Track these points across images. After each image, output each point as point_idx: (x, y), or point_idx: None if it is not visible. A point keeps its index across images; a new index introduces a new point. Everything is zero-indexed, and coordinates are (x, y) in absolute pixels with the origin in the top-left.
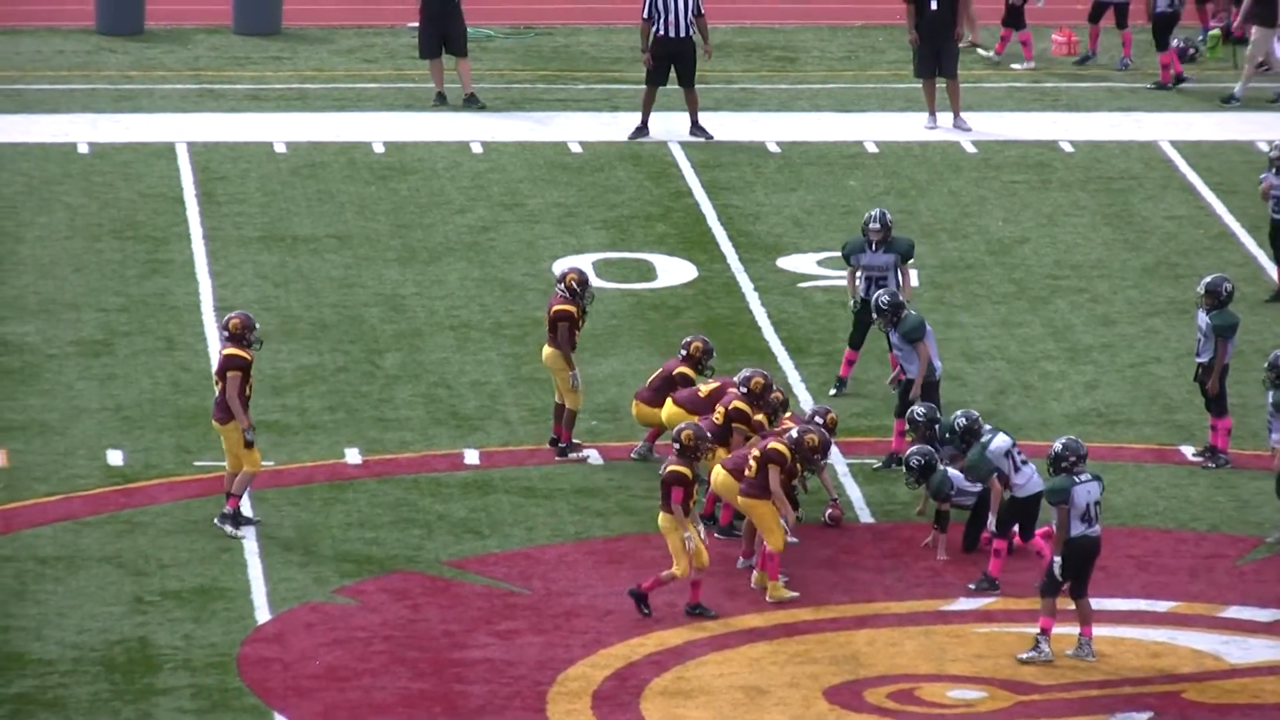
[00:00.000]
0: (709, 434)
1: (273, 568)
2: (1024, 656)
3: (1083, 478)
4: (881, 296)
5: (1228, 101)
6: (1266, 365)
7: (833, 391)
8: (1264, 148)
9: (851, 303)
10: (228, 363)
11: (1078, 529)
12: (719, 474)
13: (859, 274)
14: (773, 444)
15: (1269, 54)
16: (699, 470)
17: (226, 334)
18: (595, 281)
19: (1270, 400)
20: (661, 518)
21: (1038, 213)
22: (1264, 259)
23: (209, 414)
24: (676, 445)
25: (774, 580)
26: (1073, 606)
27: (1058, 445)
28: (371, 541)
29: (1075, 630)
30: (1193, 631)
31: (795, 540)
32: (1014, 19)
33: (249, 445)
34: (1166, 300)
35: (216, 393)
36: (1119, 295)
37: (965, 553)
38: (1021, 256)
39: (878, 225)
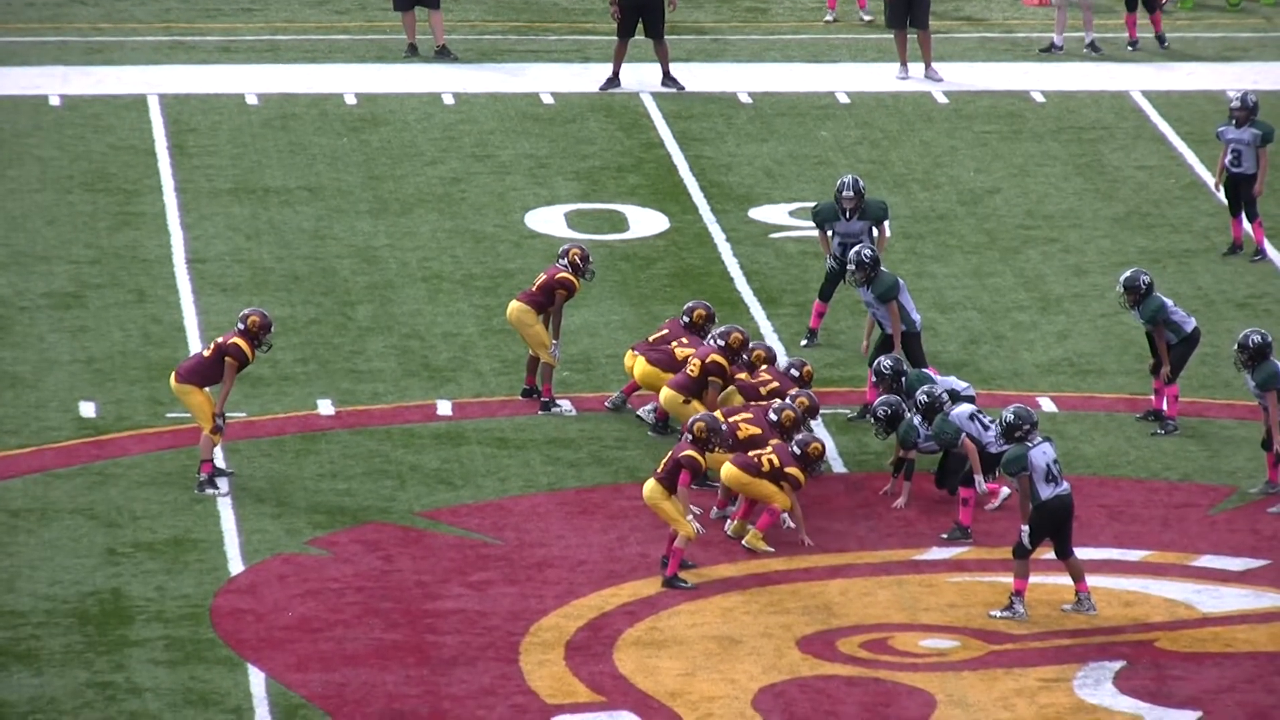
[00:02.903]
0: (723, 428)
1: (245, 519)
2: (997, 614)
3: (1035, 440)
4: (864, 250)
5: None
6: (1236, 346)
7: (804, 343)
8: (1232, 96)
9: (830, 262)
10: (230, 350)
11: (1046, 491)
12: (728, 470)
13: (834, 240)
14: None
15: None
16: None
17: (242, 327)
18: (567, 233)
19: (1250, 384)
20: (651, 487)
21: (1009, 163)
22: None
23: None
24: (689, 435)
25: (759, 530)
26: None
27: (1009, 415)
28: (344, 493)
29: (1052, 581)
30: (1165, 580)
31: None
32: None
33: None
34: (1138, 250)
35: (193, 356)
36: (1090, 245)
37: (947, 493)
38: (993, 207)
39: (851, 194)
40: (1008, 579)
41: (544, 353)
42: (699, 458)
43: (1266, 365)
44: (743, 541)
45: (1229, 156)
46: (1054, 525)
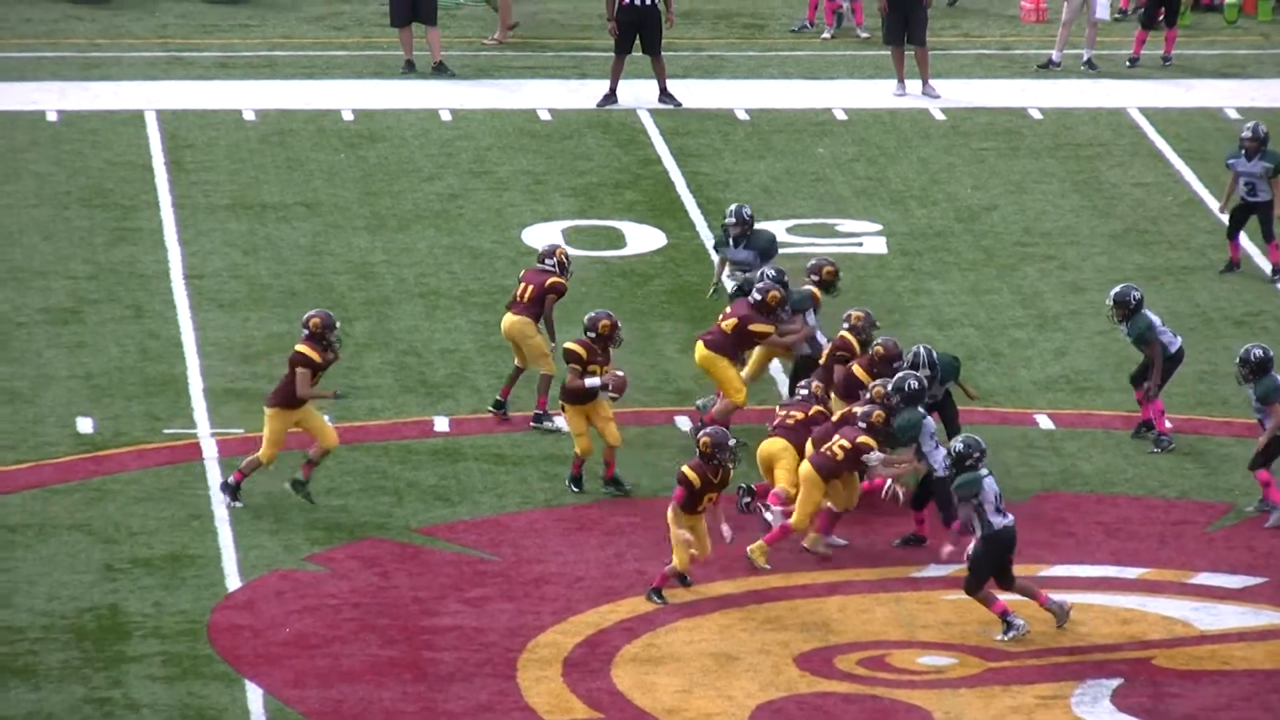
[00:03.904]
0: (732, 443)
1: (243, 535)
2: (1000, 637)
3: (984, 471)
4: (768, 273)
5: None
6: (1237, 360)
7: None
8: (1233, 114)
9: (711, 291)
10: (297, 359)
11: (998, 521)
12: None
13: (726, 266)
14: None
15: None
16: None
17: (306, 331)
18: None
19: (1253, 398)
20: (671, 511)
21: (1006, 180)
22: None
23: (178, 381)
24: (696, 448)
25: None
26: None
27: (959, 444)
28: (341, 509)
29: (1055, 598)
30: (1162, 598)
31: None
32: None
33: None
34: (1135, 267)
35: (282, 380)
36: (1088, 262)
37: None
38: (990, 224)
39: (734, 220)
40: (1006, 596)
41: (545, 363)
42: (690, 474)
43: (1268, 379)
44: (746, 549)
45: (1243, 188)
46: (997, 557)
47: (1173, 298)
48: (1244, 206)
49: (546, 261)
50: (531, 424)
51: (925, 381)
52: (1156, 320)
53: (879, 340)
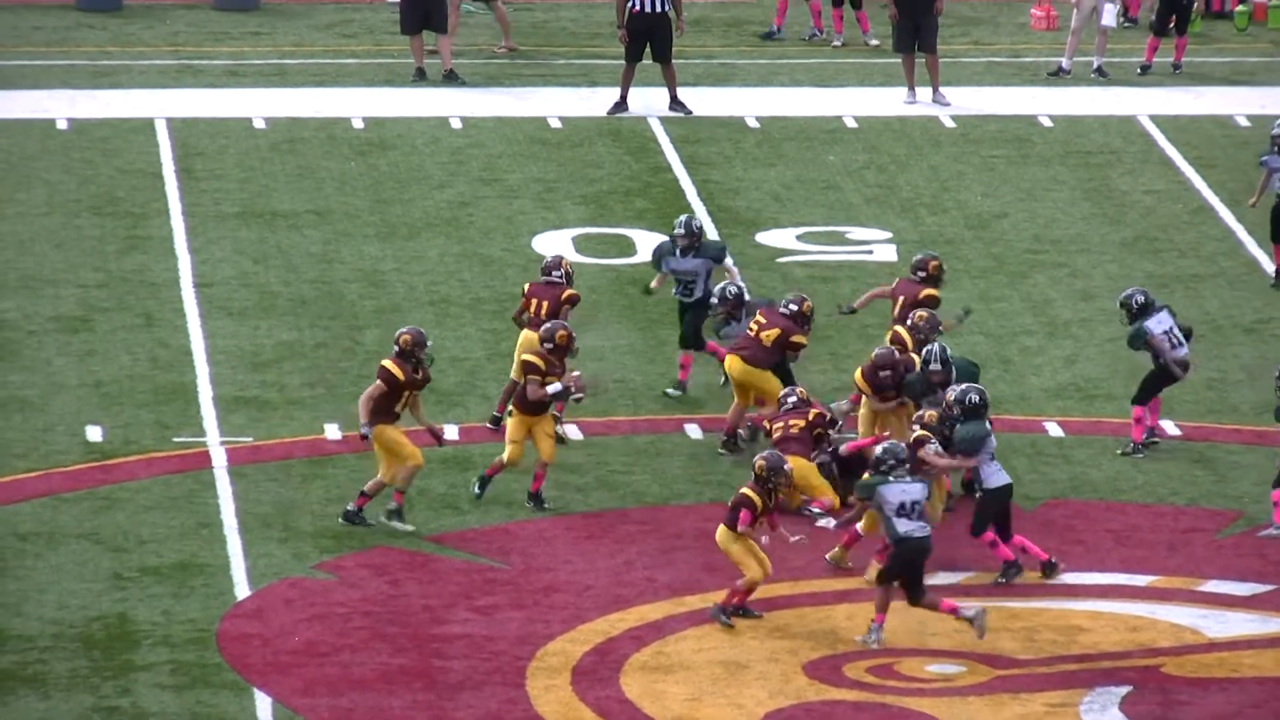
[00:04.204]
0: (787, 469)
1: (252, 543)
2: (859, 639)
3: (897, 477)
4: (729, 288)
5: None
6: (1277, 375)
7: (674, 392)
8: (1243, 122)
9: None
10: (379, 373)
11: (904, 528)
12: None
13: (669, 277)
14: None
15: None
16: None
17: (396, 348)
18: (575, 257)
19: None
20: (720, 531)
21: (1017, 187)
22: (1242, 232)
23: (188, 390)
24: (751, 472)
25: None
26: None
27: (879, 449)
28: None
29: (1059, 605)
30: (1172, 605)
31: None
32: None
33: (439, 437)
34: (1145, 275)
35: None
36: (1098, 270)
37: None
38: (1000, 231)
39: (683, 231)
40: (1015, 604)
41: (566, 375)
42: (753, 496)
43: None
44: (826, 555)
45: (1278, 185)
46: (902, 566)
47: (1182, 305)
48: None
49: (554, 274)
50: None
51: (987, 396)
52: (1156, 329)
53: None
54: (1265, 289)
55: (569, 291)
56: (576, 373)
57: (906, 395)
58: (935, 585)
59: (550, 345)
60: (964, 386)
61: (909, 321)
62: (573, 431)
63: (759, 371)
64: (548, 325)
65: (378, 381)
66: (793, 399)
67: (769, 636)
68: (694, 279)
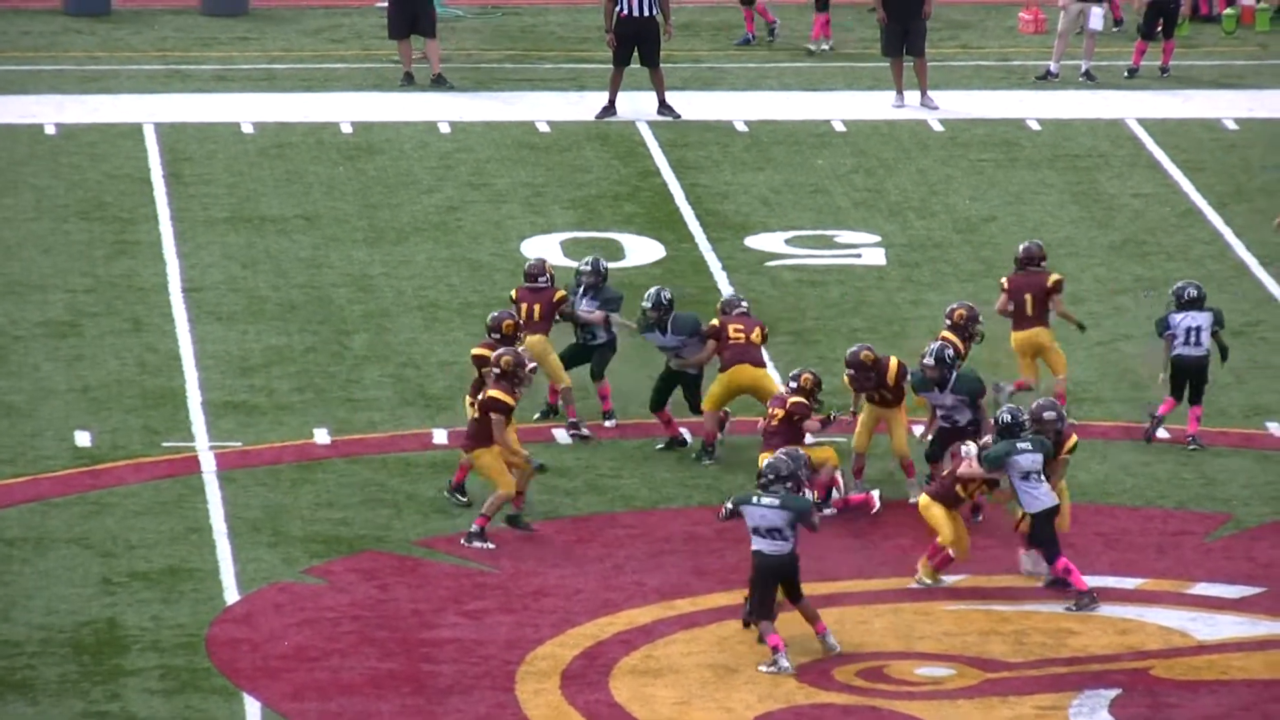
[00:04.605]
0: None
1: (241, 548)
2: (762, 668)
3: (756, 499)
4: (664, 293)
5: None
6: None
7: (609, 424)
8: (1230, 125)
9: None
10: (490, 405)
11: (756, 544)
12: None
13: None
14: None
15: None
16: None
17: (498, 370)
18: (563, 261)
19: None
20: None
21: (1005, 191)
22: (1230, 235)
23: (176, 395)
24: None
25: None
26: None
27: (1004, 416)
28: (340, 522)
29: (1048, 609)
30: (1160, 608)
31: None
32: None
33: (539, 469)
34: (1134, 278)
35: (469, 418)
36: (1087, 273)
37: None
38: (989, 235)
39: (589, 269)
40: (1004, 607)
41: (567, 378)
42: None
43: None
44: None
45: None
46: (764, 581)
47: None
48: None
49: (540, 280)
50: (570, 433)
51: (1022, 414)
52: (1180, 323)
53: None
54: (1253, 292)
55: (560, 293)
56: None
57: (915, 390)
58: (926, 589)
59: (498, 335)
60: (1005, 408)
61: (949, 323)
62: (562, 436)
63: (766, 373)
64: (494, 314)
65: (496, 417)
66: (794, 383)
67: (758, 641)
68: (679, 352)
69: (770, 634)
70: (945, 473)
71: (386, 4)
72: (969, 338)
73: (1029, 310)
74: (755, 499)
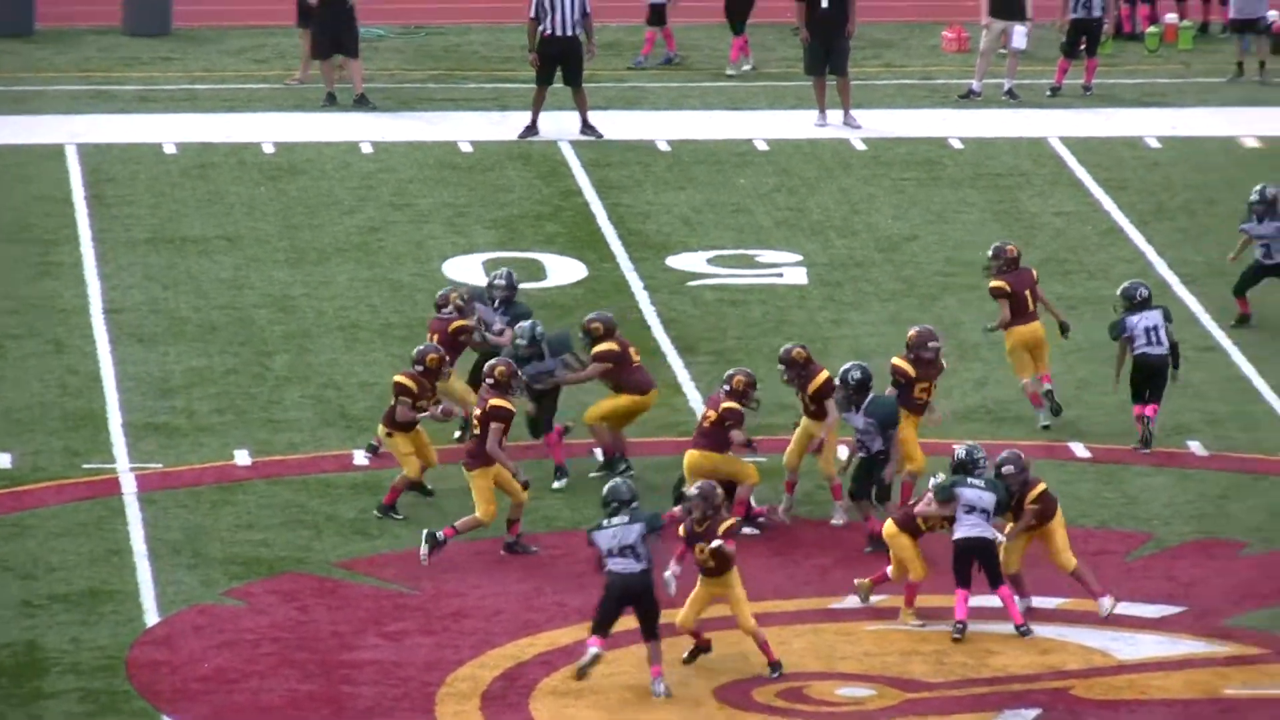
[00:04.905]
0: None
1: (161, 570)
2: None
3: (614, 521)
4: (536, 327)
5: (966, 96)
6: None
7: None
8: (1153, 143)
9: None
10: (493, 414)
11: (610, 564)
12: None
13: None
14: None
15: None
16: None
17: (491, 380)
18: (485, 281)
19: None
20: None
21: (927, 210)
22: (1152, 254)
23: (97, 416)
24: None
25: (909, 608)
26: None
27: (960, 450)
28: (260, 543)
29: (973, 628)
30: (1081, 628)
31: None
32: (657, 17)
33: (525, 486)
34: (1055, 296)
35: (473, 435)
36: None
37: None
38: (911, 254)
39: (503, 283)
40: (925, 627)
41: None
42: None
43: None
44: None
45: (1259, 251)
46: (613, 602)
47: (1092, 328)
48: (1261, 268)
49: (444, 310)
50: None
51: (978, 452)
52: (1137, 324)
53: (738, 372)
54: (1175, 311)
55: (456, 323)
56: (442, 405)
57: (839, 409)
58: (849, 609)
59: (421, 368)
60: (967, 445)
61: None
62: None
63: (718, 455)
64: (420, 348)
65: (494, 427)
66: (726, 387)
67: (679, 661)
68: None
69: (595, 640)
70: (910, 503)
71: (302, 26)
72: (747, 404)
73: (1030, 306)
74: (604, 524)
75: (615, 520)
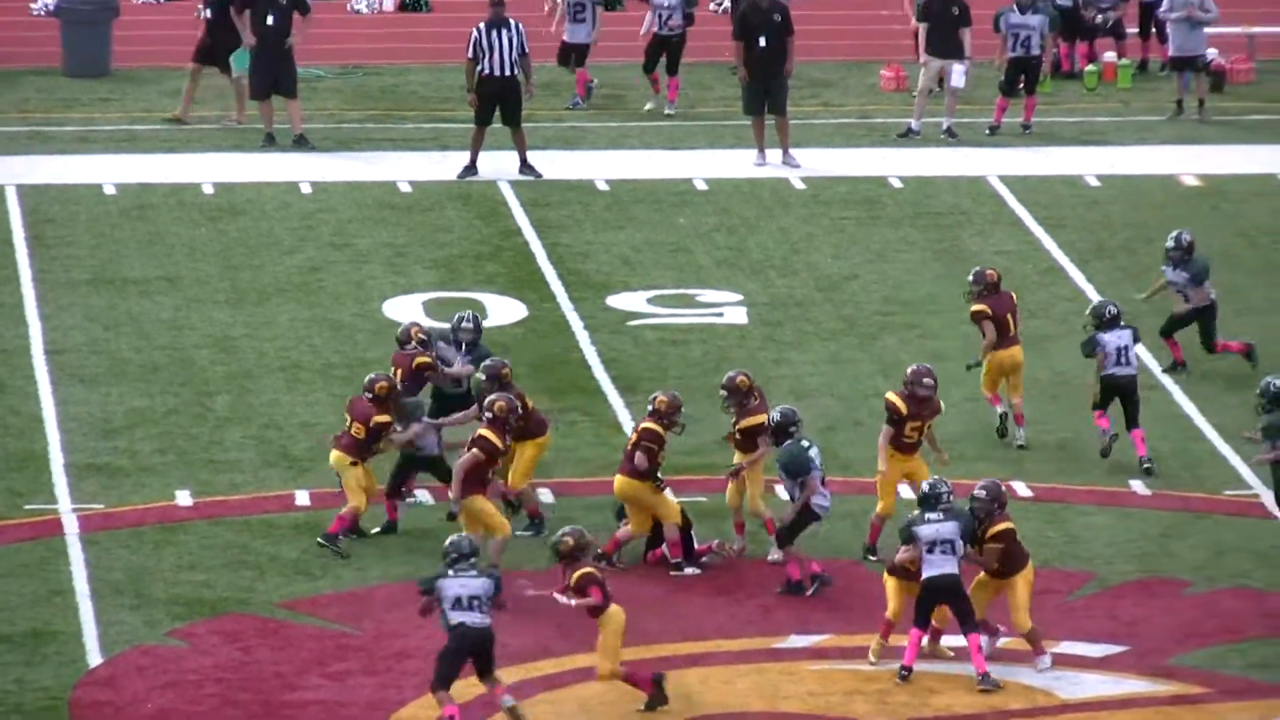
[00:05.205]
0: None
1: (104, 610)
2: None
3: (460, 571)
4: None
5: (905, 135)
6: (1258, 391)
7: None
8: (1092, 182)
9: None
10: (478, 443)
11: (454, 617)
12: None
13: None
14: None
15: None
16: None
17: (490, 415)
18: (425, 322)
19: (1261, 424)
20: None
21: (867, 248)
22: (1092, 292)
23: (39, 457)
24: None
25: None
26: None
27: (924, 485)
28: (203, 584)
29: (920, 667)
30: (1024, 667)
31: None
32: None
33: (453, 518)
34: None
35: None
36: (949, 330)
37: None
38: (851, 293)
39: (471, 326)
40: (868, 667)
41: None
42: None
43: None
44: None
45: (1177, 295)
46: (459, 654)
47: (1033, 365)
48: (1185, 315)
49: (407, 346)
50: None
51: (942, 486)
52: (1110, 342)
53: (662, 393)
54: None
55: (419, 359)
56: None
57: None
58: (792, 649)
59: (370, 395)
60: (933, 480)
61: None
62: (424, 497)
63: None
64: (371, 376)
65: (474, 452)
66: (650, 405)
67: (620, 700)
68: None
69: (448, 704)
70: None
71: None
72: (669, 426)
73: (1011, 329)
74: (450, 573)
75: (461, 571)
